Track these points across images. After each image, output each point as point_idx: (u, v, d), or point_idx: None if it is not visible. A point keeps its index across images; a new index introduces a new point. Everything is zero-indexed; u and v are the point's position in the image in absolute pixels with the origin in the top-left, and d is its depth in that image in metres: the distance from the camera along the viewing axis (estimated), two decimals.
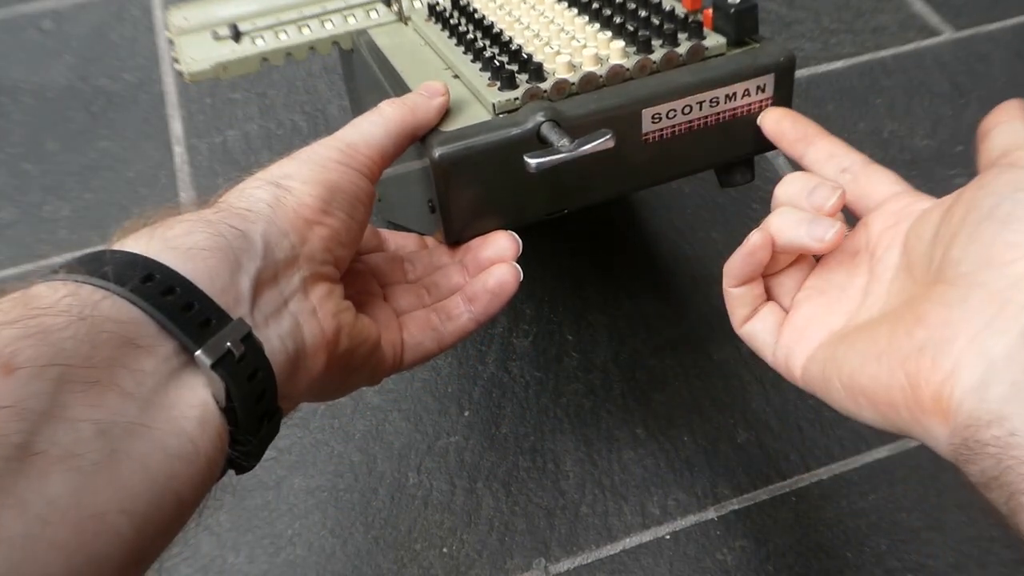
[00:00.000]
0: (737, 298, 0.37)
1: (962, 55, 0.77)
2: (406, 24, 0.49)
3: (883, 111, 0.72)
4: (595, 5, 0.45)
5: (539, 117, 0.38)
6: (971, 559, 0.48)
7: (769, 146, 0.44)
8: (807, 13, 0.81)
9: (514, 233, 0.40)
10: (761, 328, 0.37)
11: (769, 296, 0.38)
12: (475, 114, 0.39)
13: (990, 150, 0.32)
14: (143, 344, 0.26)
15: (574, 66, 0.40)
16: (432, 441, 0.52)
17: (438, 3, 0.49)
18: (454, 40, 0.45)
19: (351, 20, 0.50)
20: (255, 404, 0.28)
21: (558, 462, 0.51)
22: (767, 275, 0.38)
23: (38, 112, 0.72)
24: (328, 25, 0.49)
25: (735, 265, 0.37)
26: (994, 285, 0.27)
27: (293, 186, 0.33)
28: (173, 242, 0.29)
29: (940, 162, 0.68)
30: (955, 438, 0.27)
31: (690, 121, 0.41)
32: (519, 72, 0.40)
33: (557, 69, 0.40)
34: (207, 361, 0.26)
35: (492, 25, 0.45)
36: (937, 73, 0.75)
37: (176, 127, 0.71)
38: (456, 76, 0.43)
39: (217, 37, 0.48)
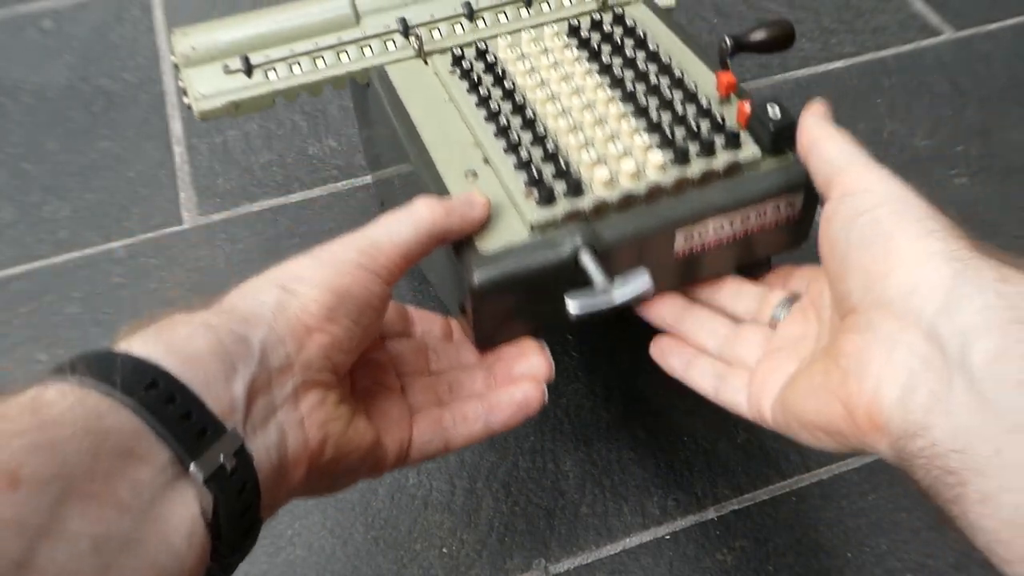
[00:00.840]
0: (694, 379, 0.41)
1: (962, 55, 0.77)
2: (426, 62, 0.47)
3: (883, 111, 0.72)
4: (628, 86, 0.44)
5: (577, 240, 0.38)
6: (971, 559, 0.48)
7: (790, 246, 0.44)
8: (807, 13, 0.81)
9: (548, 352, 0.40)
10: (732, 393, 0.39)
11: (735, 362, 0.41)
12: (511, 226, 0.39)
13: (816, 175, 0.36)
14: (141, 454, 0.26)
15: (612, 182, 0.39)
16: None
17: (463, 55, 0.46)
18: (483, 113, 0.43)
19: (367, 52, 0.47)
20: (240, 518, 0.29)
21: (558, 462, 0.51)
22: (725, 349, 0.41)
23: (38, 112, 0.73)
24: (344, 57, 0.47)
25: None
26: (885, 301, 0.29)
27: (300, 290, 0.33)
28: (176, 346, 0.29)
29: (940, 162, 0.68)
30: (894, 451, 0.29)
31: (720, 237, 0.41)
32: (556, 177, 0.39)
33: (595, 184, 0.39)
34: (200, 476, 0.27)
35: (524, 106, 0.43)
36: (937, 73, 0.75)
37: (176, 127, 0.71)
38: (486, 160, 0.42)
39: (228, 71, 0.46)
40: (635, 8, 0.50)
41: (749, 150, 0.41)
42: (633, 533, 0.48)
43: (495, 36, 0.48)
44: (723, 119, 0.41)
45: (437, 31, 0.48)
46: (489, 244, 0.38)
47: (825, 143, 0.36)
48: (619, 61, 0.45)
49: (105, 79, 0.75)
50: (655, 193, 0.40)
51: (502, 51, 0.47)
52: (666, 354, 0.43)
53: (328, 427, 0.33)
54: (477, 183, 0.40)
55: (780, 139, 0.41)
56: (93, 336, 0.57)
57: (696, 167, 0.40)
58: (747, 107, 0.41)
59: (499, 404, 0.38)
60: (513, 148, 0.41)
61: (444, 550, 0.48)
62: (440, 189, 0.40)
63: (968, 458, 0.26)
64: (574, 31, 0.47)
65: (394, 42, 0.47)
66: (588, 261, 0.37)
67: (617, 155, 0.40)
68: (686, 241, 0.40)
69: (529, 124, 0.42)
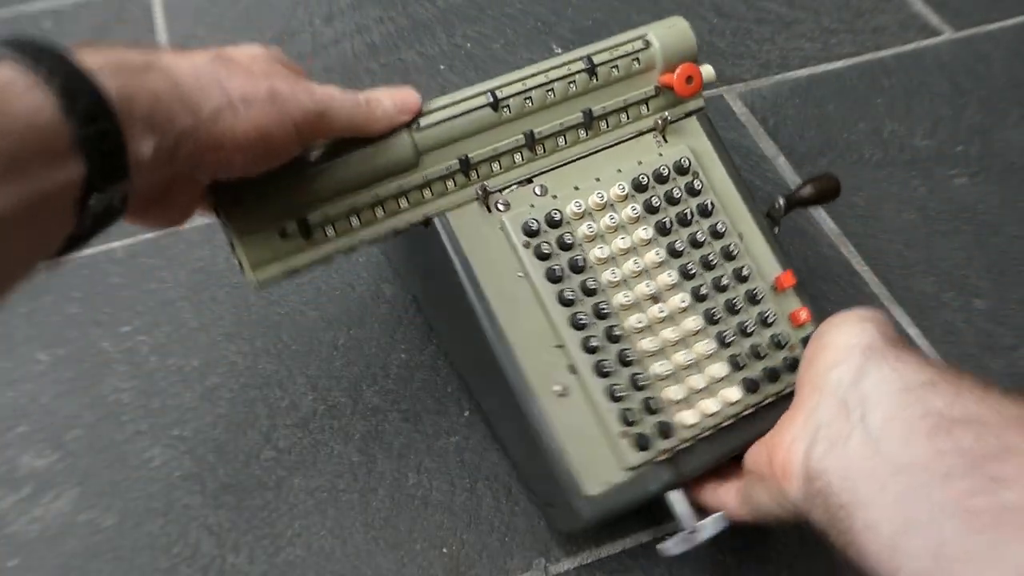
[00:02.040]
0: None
1: (962, 55, 0.77)
2: (489, 211, 0.45)
3: (883, 111, 0.72)
4: (696, 283, 0.46)
5: (666, 477, 0.43)
6: None
7: None
8: (807, 13, 0.81)
9: None
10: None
11: None
12: (607, 463, 0.43)
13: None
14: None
15: (696, 424, 0.44)
16: (432, 441, 0.52)
17: (538, 228, 0.44)
18: (566, 313, 0.44)
19: (427, 194, 0.43)
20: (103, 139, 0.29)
21: None
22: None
23: None
24: (403, 203, 0.43)
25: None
26: (813, 379, 0.38)
27: (241, 113, 0.34)
28: (119, 67, 0.30)
29: (940, 162, 0.68)
30: (800, 494, 0.36)
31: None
32: (645, 412, 0.43)
33: (680, 427, 0.43)
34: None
35: (608, 313, 0.44)
36: (937, 73, 0.75)
37: None
38: (571, 368, 0.43)
39: (284, 235, 0.41)
40: (692, 136, 0.49)
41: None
42: (633, 533, 0.48)
43: (556, 167, 0.46)
44: (784, 339, 0.46)
45: (497, 164, 0.45)
46: (591, 485, 0.42)
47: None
48: (684, 240, 0.46)
49: None
50: (730, 428, 0.45)
51: (576, 226, 0.45)
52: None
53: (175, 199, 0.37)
54: (567, 402, 0.43)
55: None
56: (93, 336, 0.57)
57: (763, 394, 0.45)
58: (802, 315, 0.47)
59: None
60: (604, 374, 0.43)
61: (444, 550, 0.48)
62: (526, 394, 0.43)
63: (857, 495, 0.33)
64: (640, 187, 0.47)
65: (454, 181, 0.44)
66: (677, 502, 0.43)
67: (698, 393, 0.44)
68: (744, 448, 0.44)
69: (613, 336, 0.44)
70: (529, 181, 0.45)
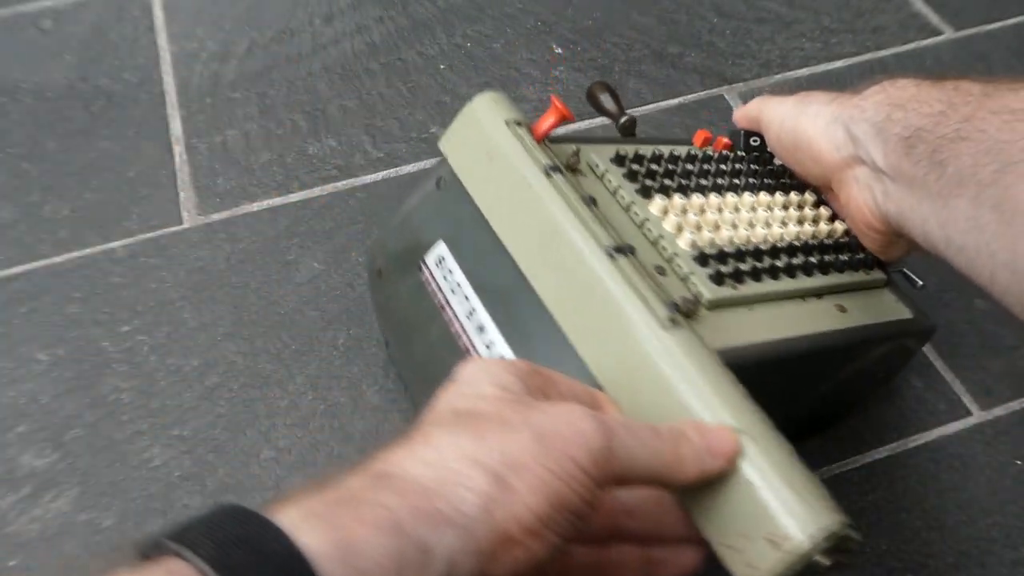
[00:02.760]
0: None
1: (962, 55, 0.77)
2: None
3: None
4: None
5: None
6: (971, 559, 0.48)
7: None
8: (807, 13, 0.81)
9: None
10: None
11: None
12: None
13: (756, 129, 0.50)
14: None
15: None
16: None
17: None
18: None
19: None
20: None
21: None
22: None
23: (38, 112, 0.72)
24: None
25: None
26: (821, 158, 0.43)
27: (516, 487, 0.25)
28: (349, 550, 0.23)
29: None
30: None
31: None
32: None
33: None
34: None
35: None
36: (937, 73, 0.75)
37: (176, 127, 0.71)
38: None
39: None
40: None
41: None
42: None
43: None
44: None
45: None
46: None
47: (739, 115, 0.50)
48: None
49: (105, 79, 0.75)
50: None
51: None
52: None
53: None
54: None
55: None
56: (93, 336, 0.57)
57: None
58: None
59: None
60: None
61: None
62: None
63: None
64: None
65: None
66: None
67: None
68: None
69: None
70: None
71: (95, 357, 0.56)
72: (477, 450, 0.26)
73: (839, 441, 0.52)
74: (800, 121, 0.44)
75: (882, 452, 0.52)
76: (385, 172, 0.67)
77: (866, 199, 0.42)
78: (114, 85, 0.75)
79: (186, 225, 0.64)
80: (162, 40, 0.78)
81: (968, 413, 0.55)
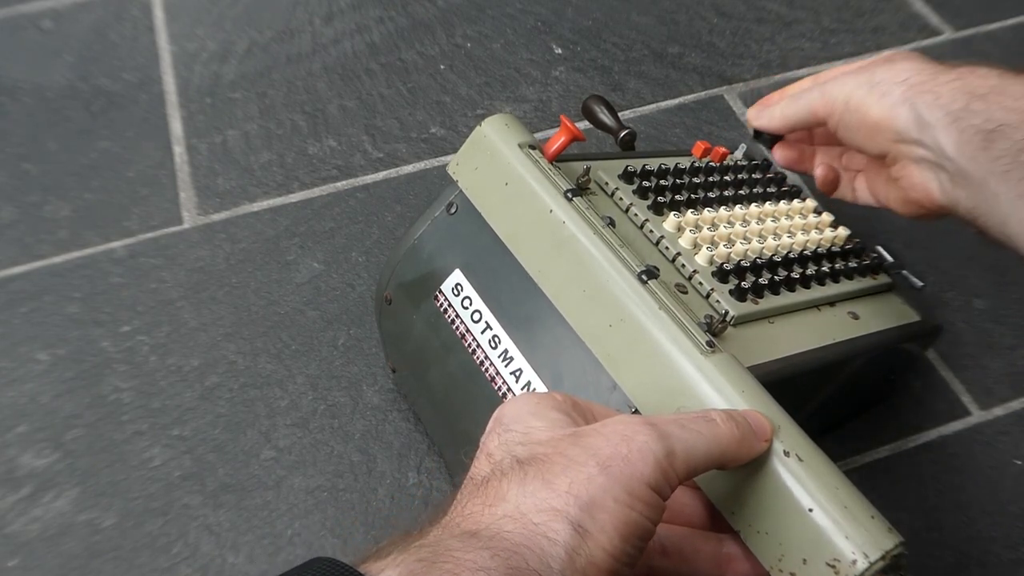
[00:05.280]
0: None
1: (962, 55, 0.77)
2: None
3: None
4: None
5: None
6: (971, 559, 0.48)
7: None
8: (807, 13, 0.81)
9: None
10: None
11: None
12: None
13: (800, 121, 0.47)
14: None
15: None
16: (432, 441, 0.52)
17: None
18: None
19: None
20: None
21: None
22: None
23: (38, 112, 0.73)
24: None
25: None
26: (881, 138, 0.43)
27: (592, 532, 0.26)
28: None
29: None
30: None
31: None
32: None
33: None
34: None
35: None
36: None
37: (176, 127, 0.71)
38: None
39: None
40: None
41: None
42: None
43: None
44: None
45: None
46: None
47: (777, 115, 0.47)
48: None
49: (105, 79, 0.75)
50: None
51: None
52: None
53: None
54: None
55: None
56: (93, 336, 0.57)
57: None
58: None
59: None
60: None
61: None
62: None
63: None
64: None
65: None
66: None
67: None
68: None
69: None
70: None
71: (95, 357, 0.56)
72: (552, 498, 0.26)
73: (839, 441, 0.52)
74: (866, 101, 0.42)
75: (882, 452, 0.52)
76: (385, 172, 0.67)
77: (927, 181, 0.41)
78: (114, 85, 0.75)
79: (186, 225, 0.64)
80: (162, 40, 0.78)
81: (968, 413, 0.55)
